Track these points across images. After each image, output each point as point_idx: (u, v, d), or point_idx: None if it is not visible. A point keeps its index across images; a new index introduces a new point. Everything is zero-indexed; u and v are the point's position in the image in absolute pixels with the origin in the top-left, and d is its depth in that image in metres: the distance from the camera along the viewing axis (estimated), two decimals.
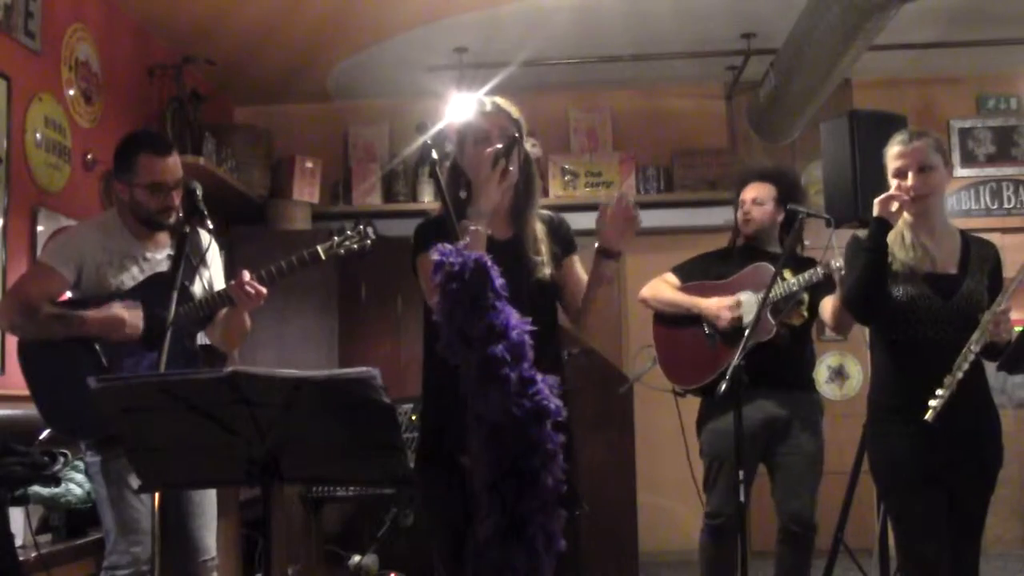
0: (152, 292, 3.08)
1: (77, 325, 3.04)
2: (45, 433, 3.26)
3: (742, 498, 3.32)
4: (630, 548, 5.15)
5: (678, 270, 3.97)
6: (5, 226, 3.99)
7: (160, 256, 3.22)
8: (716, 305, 3.75)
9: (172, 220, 3.16)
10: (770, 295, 3.55)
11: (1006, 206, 6.48)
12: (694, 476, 3.94)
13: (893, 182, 2.97)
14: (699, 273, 3.92)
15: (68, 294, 3.22)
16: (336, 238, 3.24)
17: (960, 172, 6.50)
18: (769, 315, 3.65)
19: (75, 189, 4.53)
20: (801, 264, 3.80)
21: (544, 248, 2.62)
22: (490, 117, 2.62)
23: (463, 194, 2.60)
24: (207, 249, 3.30)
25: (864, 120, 3.77)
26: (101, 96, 4.83)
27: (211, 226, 3.13)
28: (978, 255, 3.01)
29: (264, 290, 3.11)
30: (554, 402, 2.16)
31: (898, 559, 3.02)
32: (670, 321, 3.90)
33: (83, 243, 3.20)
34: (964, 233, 3.09)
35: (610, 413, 5.08)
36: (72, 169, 4.53)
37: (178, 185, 3.15)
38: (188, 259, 3.18)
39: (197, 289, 3.20)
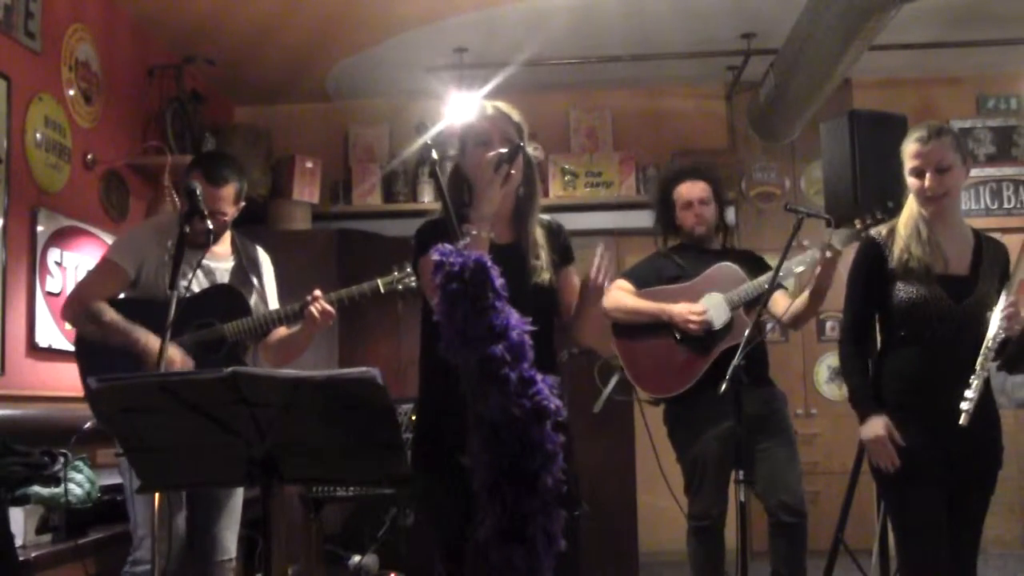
0: (210, 301, 3.16)
1: (131, 344, 3.11)
2: (88, 424, 3.28)
3: (742, 498, 3.31)
4: (630, 548, 5.15)
5: (631, 276, 3.90)
6: (5, 226, 3.99)
7: (219, 265, 3.28)
8: (685, 311, 3.70)
9: (203, 241, 3.17)
10: (739, 295, 3.65)
11: (1006, 206, 6.47)
12: (666, 478, 3.92)
13: (910, 179, 2.94)
14: (652, 276, 3.87)
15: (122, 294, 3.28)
16: (397, 274, 3.30)
17: None
18: (743, 313, 3.67)
19: (75, 189, 4.53)
20: (743, 258, 3.86)
21: (544, 254, 2.62)
22: (491, 120, 2.62)
23: (467, 198, 2.60)
24: (263, 266, 3.40)
25: (864, 120, 3.77)
26: (101, 96, 4.83)
27: (211, 226, 3.15)
28: (990, 256, 2.99)
29: (333, 312, 3.21)
30: (554, 402, 2.16)
31: (897, 558, 3.02)
32: (632, 330, 3.82)
33: (146, 242, 3.27)
34: (978, 232, 3.06)
35: (610, 414, 5.07)
36: (72, 169, 4.53)
37: (216, 215, 3.19)
38: (245, 272, 3.30)
39: (254, 303, 3.28)
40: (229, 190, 3.23)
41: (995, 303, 2.88)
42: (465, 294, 2.16)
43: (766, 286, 3.54)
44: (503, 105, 2.67)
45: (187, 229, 3.09)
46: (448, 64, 5.89)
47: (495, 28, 5.50)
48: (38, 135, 4.25)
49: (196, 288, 3.21)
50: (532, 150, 2.65)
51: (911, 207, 2.98)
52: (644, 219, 6.66)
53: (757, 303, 3.62)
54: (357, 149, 6.72)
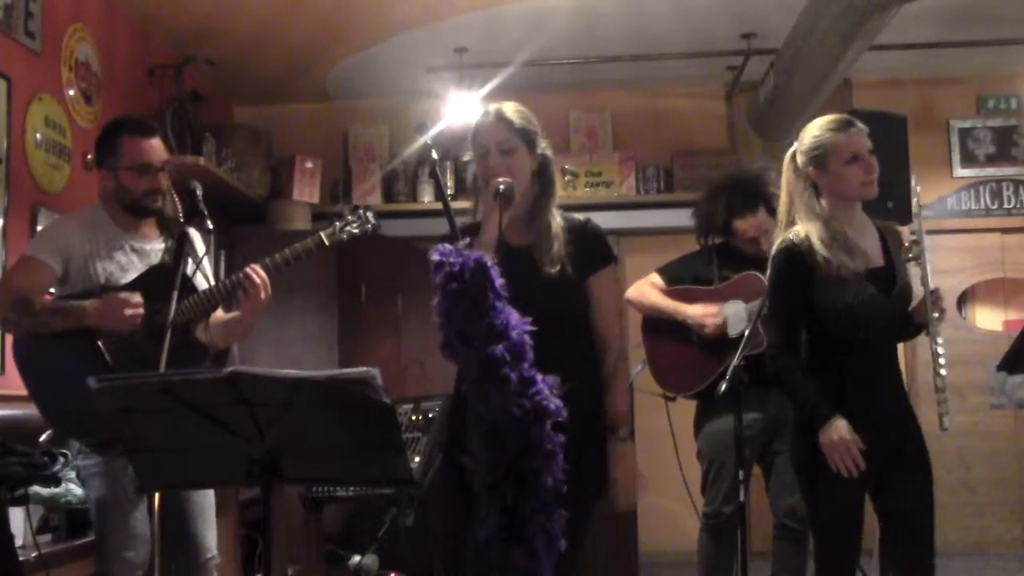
0: (151, 285, 3.02)
1: (76, 316, 2.98)
2: (46, 435, 3.26)
3: (742, 498, 3.32)
4: (630, 548, 5.15)
5: (663, 272, 3.91)
6: (5, 226, 3.99)
7: (150, 247, 3.17)
8: (700, 314, 3.70)
9: (159, 204, 3.11)
10: (760, 306, 3.53)
11: (1006, 206, 6.46)
12: (684, 477, 3.92)
13: (846, 169, 2.84)
14: (685, 275, 3.87)
15: (52, 290, 3.16)
16: (337, 223, 3.18)
17: (960, 172, 6.50)
18: (760, 327, 3.64)
19: (75, 189, 4.53)
20: None
21: (557, 244, 2.56)
22: (487, 130, 2.59)
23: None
24: (197, 242, 3.24)
25: (864, 120, 3.75)
26: (101, 96, 4.83)
27: (211, 226, 3.12)
28: (894, 244, 2.94)
29: (267, 278, 3.05)
30: (554, 402, 2.16)
31: (814, 559, 2.97)
32: (657, 325, 3.84)
33: (69, 234, 3.12)
34: (875, 221, 2.99)
35: None
36: (72, 169, 4.53)
37: (164, 168, 3.12)
38: (179, 249, 3.10)
39: (200, 282, 3.18)
40: (159, 140, 3.16)
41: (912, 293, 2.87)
42: (465, 294, 2.16)
43: None
44: (506, 109, 2.61)
45: (189, 229, 3.09)
46: (448, 64, 5.89)
47: (495, 28, 5.50)
48: (38, 135, 4.25)
49: (134, 273, 3.09)
50: (544, 147, 2.63)
51: (814, 213, 2.85)
52: (644, 219, 6.74)
53: None
54: (357, 149, 6.72)
